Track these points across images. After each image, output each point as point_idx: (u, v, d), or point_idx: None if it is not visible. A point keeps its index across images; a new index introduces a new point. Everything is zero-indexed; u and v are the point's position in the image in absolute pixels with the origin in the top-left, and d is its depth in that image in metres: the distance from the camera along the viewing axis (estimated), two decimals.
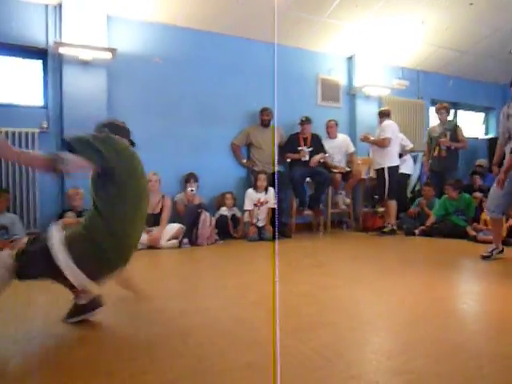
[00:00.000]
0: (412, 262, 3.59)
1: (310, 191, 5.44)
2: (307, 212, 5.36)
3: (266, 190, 4.95)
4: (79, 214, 3.98)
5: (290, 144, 5.40)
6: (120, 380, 1.37)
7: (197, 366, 1.47)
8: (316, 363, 1.48)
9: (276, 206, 4.94)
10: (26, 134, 4.13)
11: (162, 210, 4.48)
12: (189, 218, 4.50)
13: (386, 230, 5.18)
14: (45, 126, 4.25)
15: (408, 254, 4.09)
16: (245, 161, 5.36)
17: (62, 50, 4.13)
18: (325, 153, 5.38)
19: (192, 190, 4.69)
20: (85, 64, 4.30)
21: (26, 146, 4.13)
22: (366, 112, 6.24)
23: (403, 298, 2.34)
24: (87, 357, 1.57)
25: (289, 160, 5.44)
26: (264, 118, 5.31)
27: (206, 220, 4.51)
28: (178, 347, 1.64)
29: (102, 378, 1.38)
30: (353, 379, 1.36)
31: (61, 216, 3.96)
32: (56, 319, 1.93)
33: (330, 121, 5.71)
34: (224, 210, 4.90)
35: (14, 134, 4.09)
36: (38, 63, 4.45)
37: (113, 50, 4.28)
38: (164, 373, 1.41)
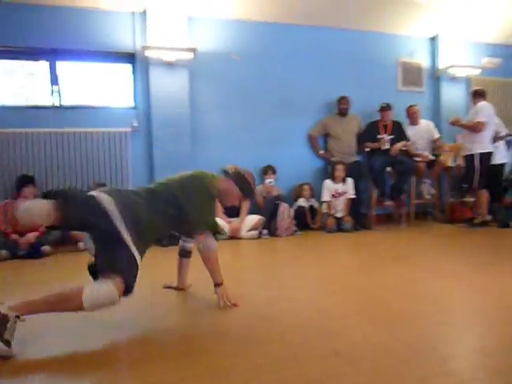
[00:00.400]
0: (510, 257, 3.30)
1: (391, 181, 5.23)
2: (388, 203, 5.17)
3: (343, 180, 4.86)
4: None
5: (369, 132, 5.23)
6: (214, 359, 1.46)
7: (284, 352, 1.52)
8: (407, 356, 1.45)
9: (355, 197, 4.85)
10: (120, 133, 4.52)
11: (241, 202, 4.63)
12: (267, 209, 4.60)
13: (476, 221, 4.81)
14: (135, 125, 4.61)
15: (504, 247, 3.76)
16: (322, 151, 5.30)
17: (148, 53, 4.42)
18: (407, 140, 5.12)
19: (270, 182, 4.78)
20: (169, 65, 4.56)
21: (120, 144, 4.52)
22: (452, 95, 5.81)
23: (500, 294, 2.18)
24: (189, 338, 1.70)
25: (367, 149, 5.28)
26: (341, 107, 5.20)
27: (285, 211, 4.56)
28: (264, 333, 1.70)
29: (199, 355, 1.49)
30: (448, 376, 1.31)
31: None
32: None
33: (411, 106, 5.42)
34: (302, 201, 4.92)
35: (108, 133, 4.49)
36: (128, 67, 4.82)
37: (193, 50, 4.48)
38: (253, 358, 1.48)
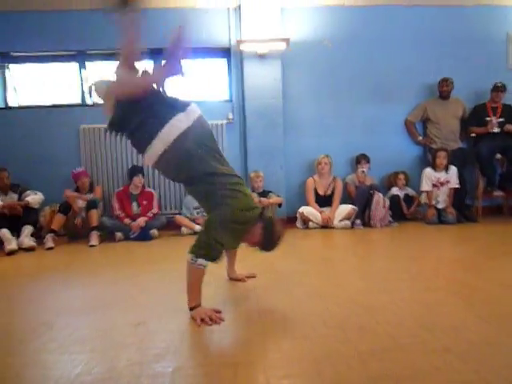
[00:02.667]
0: None
1: (501, 169, 4.75)
2: (497, 193, 4.69)
3: (446, 168, 4.53)
4: (260, 195, 4.40)
5: (476, 116, 4.80)
6: (316, 343, 1.49)
7: (389, 342, 1.49)
8: None
9: (458, 187, 4.50)
10: (216, 125, 4.74)
11: (333, 191, 4.59)
12: (361, 199, 4.48)
13: None
14: (230, 117, 4.81)
15: None
16: (420, 138, 4.99)
17: (242, 47, 4.56)
18: None
19: (363, 171, 4.65)
20: (262, 57, 4.66)
21: (216, 136, 4.74)
22: None
23: None
24: (292, 321, 1.76)
25: (473, 135, 4.84)
26: (443, 90, 4.82)
27: (379, 201, 4.40)
28: (366, 322, 1.69)
29: (301, 339, 1.54)
30: None
31: None
32: None
33: None
34: (396, 190, 4.71)
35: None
36: (223, 61, 5.02)
37: (286, 40, 4.50)
38: (356, 344, 1.48)
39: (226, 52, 4.91)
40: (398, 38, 4.96)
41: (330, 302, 1.96)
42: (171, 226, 4.45)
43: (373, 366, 1.32)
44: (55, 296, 2.30)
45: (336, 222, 4.42)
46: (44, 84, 5.01)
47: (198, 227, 4.32)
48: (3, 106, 4.86)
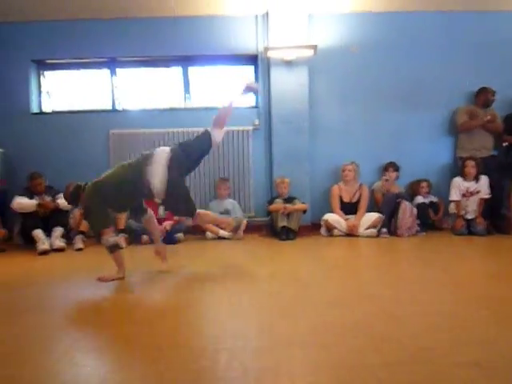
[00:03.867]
0: None
1: None
2: None
3: (476, 178, 4.41)
4: (286, 201, 4.39)
5: (508, 124, 4.65)
6: (340, 353, 1.47)
7: (418, 355, 1.45)
8: None
9: (489, 196, 4.37)
10: (242, 131, 4.78)
11: (359, 199, 4.55)
12: (387, 207, 4.41)
13: None
14: (257, 123, 4.84)
15: None
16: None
17: (270, 54, 4.58)
18: None
19: (386, 180, 4.58)
20: (289, 63, 4.67)
21: (242, 142, 4.79)
22: None
23: None
24: (319, 332, 1.75)
25: (506, 144, 4.70)
26: (489, 99, 4.67)
27: (407, 210, 4.32)
28: (393, 332, 1.66)
29: (327, 348, 1.52)
30: None
31: (271, 202, 4.44)
32: None
33: None
34: (420, 199, 4.60)
35: (232, 132, 4.78)
36: (251, 68, 5.07)
37: (314, 47, 4.51)
38: (384, 354, 1.45)
39: (253, 59, 4.96)
40: (427, 45, 4.89)
41: (356, 312, 1.93)
42: (196, 231, 4.50)
43: (402, 378, 1.29)
44: (80, 294, 2.37)
45: (361, 230, 4.36)
46: (76, 90, 5.19)
47: (222, 232, 4.36)
48: (38, 112, 5.04)
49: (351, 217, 4.48)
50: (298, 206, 4.39)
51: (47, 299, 2.29)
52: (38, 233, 3.91)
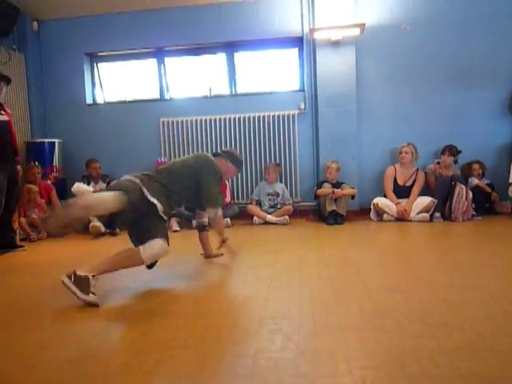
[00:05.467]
0: None
1: None
2: None
3: None
4: (334, 185, 4.33)
5: None
6: (399, 338, 1.46)
7: (477, 341, 1.40)
8: None
9: None
10: (288, 115, 4.75)
11: (414, 182, 4.40)
12: (441, 190, 4.24)
13: None
14: (302, 107, 4.78)
15: None
16: None
17: (316, 35, 4.48)
18: None
19: (438, 163, 4.39)
20: (335, 44, 4.55)
21: (288, 126, 4.75)
22: None
23: None
24: (376, 314, 1.74)
25: None
26: None
27: (462, 193, 4.13)
28: (451, 319, 1.61)
29: (384, 332, 1.51)
30: None
31: (320, 186, 4.40)
32: None
33: None
34: (473, 180, 4.36)
35: (278, 116, 4.76)
36: (295, 51, 4.99)
37: (361, 26, 4.35)
38: (441, 340, 1.41)
39: (297, 41, 4.88)
40: (483, 18, 4.56)
41: (410, 297, 1.89)
42: (243, 216, 4.56)
43: (461, 364, 1.26)
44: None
45: (413, 215, 4.22)
46: (126, 80, 5.37)
47: (269, 217, 4.40)
48: (92, 103, 5.28)
49: (403, 201, 4.34)
50: (347, 190, 4.32)
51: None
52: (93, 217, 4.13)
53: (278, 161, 4.80)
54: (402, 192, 4.38)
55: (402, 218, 4.23)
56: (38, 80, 5.15)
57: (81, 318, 1.81)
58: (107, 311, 1.88)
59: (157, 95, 5.25)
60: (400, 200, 4.33)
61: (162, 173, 2.40)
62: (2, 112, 3.42)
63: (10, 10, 4.53)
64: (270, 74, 5.10)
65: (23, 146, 4.75)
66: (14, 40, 4.90)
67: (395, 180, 4.46)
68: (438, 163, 4.42)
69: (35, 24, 5.08)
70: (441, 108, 4.64)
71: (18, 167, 3.62)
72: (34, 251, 3.54)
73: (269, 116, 4.79)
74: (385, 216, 4.29)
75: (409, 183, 4.42)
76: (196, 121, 4.88)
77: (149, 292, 2.21)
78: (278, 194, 4.57)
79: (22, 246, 3.58)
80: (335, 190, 4.27)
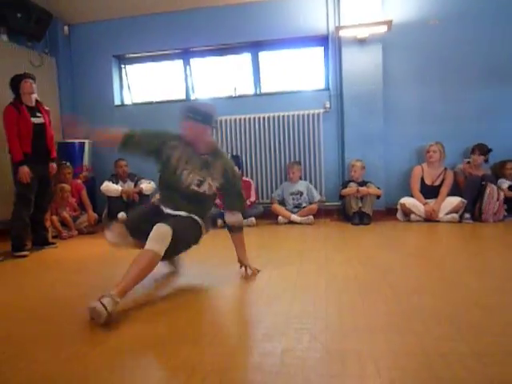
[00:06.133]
0: None
1: None
2: None
3: None
4: (359, 185, 4.29)
5: None
6: (428, 339, 1.43)
7: (507, 345, 1.37)
8: None
9: None
10: (313, 114, 4.73)
11: (442, 182, 4.30)
12: (471, 190, 4.13)
13: None
14: (327, 106, 4.74)
15: None
16: None
17: (342, 33, 4.44)
18: None
19: (468, 162, 4.27)
20: (361, 42, 4.50)
21: (313, 125, 4.73)
22: None
23: None
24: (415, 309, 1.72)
25: None
26: None
27: (493, 193, 4.01)
28: (482, 322, 1.57)
29: (412, 335, 1.49)
30: None
31: (345, 186, 4.35)
32: None
33: None
34: (504, 182, 4.22)
35: (303, 115, 4.74)
36: (320, 50, 4.96)
37: (388, 23, 4.28)
38: (473, 345, 1.38)
39: (323, 39, 4.84)
40: None
41: (439, 299, 1.86)
42: (268, 215, 4.57)
43: (493, 369, 1.23)
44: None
45: (441, 215, 4.13)
46: (153, 82, 5.47)
47: (293, 216, 4.39)
48: (120, 104, 5.41)
49: (431, 201, 4.25)
50: (373, 189, 4.27)
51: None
52: (122, 215, 4.24)
53: (302, 160, 4.78)
54: (429, 192, 4.28)
55: (430, 218, 4.15)
56: (68, 82, 5.31)
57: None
58: (135, 305, 1.92)
59: (183, 96, 5.32)
60: (428, 200, 4.23)
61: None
62: (38, 114, 3.54)
63: (42, 15, 4.69)
64: (295, 73, 5.09)
65: (55, 146, 4.90)
66: (46, 44, 5.06)
67: (423, 180, 4.36)
68: (468, 162, 4.30)
69: (66, 28, 5.24)
70: (471, 105, 4.51)
71: (53, 165, 3.72)
72: (65, 248, 3.65)
73: (293, 115, 4.78)
74: (412, 216, 4.22)
75: (437, 183, 4.32)
76: (221, 121, 4.92)
77: (176, 288, 2.25)
78: (301, 193, 4.55)
79: (53, 243, 3.71)
80: (360, 188, 4.22)
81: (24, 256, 3.32)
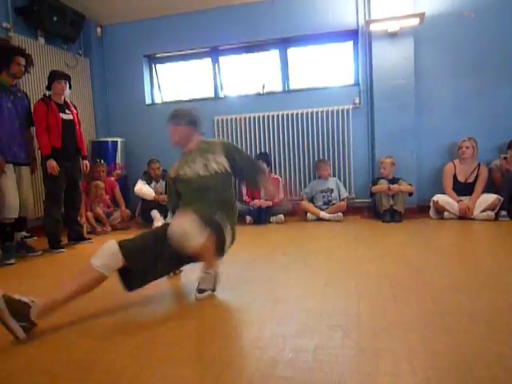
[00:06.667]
0: None
1: None
2: None
3: None
4: (390, 182, 4.21)
5: None
6: (461, 338, 1.40)
7: None
8: None
9: None
10: (342, 110, 4.67)
11: (476, 179, 4.16)
12: (508, 187, 3.97)
13: None
14: (357, 101, 4.67)
15: None
16: None
17: (372, 27, 4.36)
18: None
19: (505, 158, 4.11)
20: (392, 36, 4.40)
21: (342, 121, 4.67)
22: None
23: None
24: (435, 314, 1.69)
25: None
26: None
27: None
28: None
29: (442, 332, 1.46)
30: None
31: (375, 183, 4.29)
32: None
33: None
34: None
35: (332, 111, 4.70)
36: (349, 44, 4.88)
37: (420, 15, 4.17)
38: (500, 345, 1.35)
39: (352, 34, 4.77)
40: None
41: (475, 298, 1.81)
42: (296, 212, 4.56)
43: None
44: None
45: (476, 213, 4.00)
46: (182, 80, 5.55)
47: (322, 213, 4.37)
48: (150, 103, 5.52)
49: (465, 198, 4.12)
50: (404, 186, 4.18)
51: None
52: (155, 213, 4.34)
53: (331, 157, 4.74)
54: (463, 189, 4.15)
55: (464, 216, 4.02)
56: (101, 83, 5.46)
57: (144, 302, 1.92)
58: (167, 303, 1.97)
59: (211, 94, 5.37)
60: (462, 197, 4.11)
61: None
62: (67, 111, 3.66)
63: (76, 17, 4.84)
64: (324, 68, 5.04)
65: (89, 145, 5.07)
66: (80, 46, 5.22)
67: (455, 177, 4.23)
68: (505, 158, 4.14)
69: (99, 30, 5.38)
70: (507, 99, 4.33)
71: (86, 162, 3.84)
72: (99, 243, 3.76)
73: (322, 112, 4.73)
74: (446, 214, 4.10)
75: (470, 180, 4.18)
76: (249, 118, 4.94)
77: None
78: (331, 191, 4.51)
79: (89, 239, 3.84)
80: (391, 185, 4.14)
81: (61, 252, 3.45)
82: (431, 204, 4.22)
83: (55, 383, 1.26)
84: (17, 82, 3.52)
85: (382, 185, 4.17)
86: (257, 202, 4.43)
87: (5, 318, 1.51)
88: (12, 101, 3.27)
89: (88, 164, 3.88)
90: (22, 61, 3.28)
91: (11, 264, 3.05)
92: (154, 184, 4.66)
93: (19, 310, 1.54)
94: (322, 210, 4.42)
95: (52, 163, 3.43)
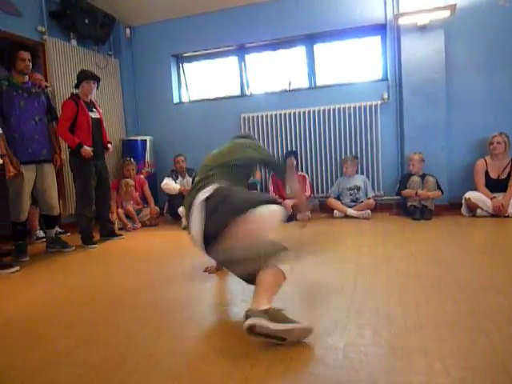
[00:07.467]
0: None
1: None
2: None
3: None
4: (420, 177, 4.13)
5: None
6: (496, 338, 1.37)
7: None
8: None
9: None
10: (370, 106, 4.60)
11: (509, 175, 4.02)
12: None
13: None
14: (385, 97, 4.59)
15: None
16: None
17: (401, 21, 4.26)
18: None
19: None
20: (421, 29, 4.29)
21: (370, 117, 4.60)
22: None
23: None
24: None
25: None
26: None
27: None
28: None
29: (476, 333, 1.43)
30: None
31: (406, 180, 4.20)
32: None
33: None
34: None
35: (359, 107, 4.63)
36: (377, 39, 4.80)
37: (451, 7, 4.05)
38: None
39: (380, 28, 4.68)
40: None
41: (510, 298, 1.76)
42: (324, 209, 4.54)
43: None
44: None
45: (511, 211, 3.86)
46: (209, 79, 5.60)
47: (350, 211, 4.32)
48: (178, 102, 5.60)
49: (498, 195, 3.99)
50: (432, 193, 4.07)
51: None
52: (183, 210, 4.40)
53: (359, 154, 4.68)
54: (496, 186, 4.01)
55: (498, 213, 3.89)
56: (130, 82, 5.59)
57: (182, 296, 1.97)
58: (205, 302, 2.01)
59: (237, 92, 5.40)
60: (495, 194, 3.98)
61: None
62: (94, 110, 3.76)
63: (106, 19, 4.96)
64: (351, 64, 4.97)
65: (119, 143, 5.21)
66: (110, 47, 5.36)
67: (487, 173, 4.10)
68: None
69: (128, 31, 5.50)
70: None
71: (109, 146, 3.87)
72: (130, 240, 3.88)
73: (350, 108, 4.68)
74: (478, 211, 3.98)
75: (503, 176, 4.04)
76: (276, 115, 4.94)
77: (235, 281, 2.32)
78: (358, 188, 4.46)
79: (120, 235, 3.95)
80: (419, 191, 4.05)
81: (94, 248, 3.57)
82: (463, 201, 4.10)
83: None
84: (31, 78, 3.39)
85: (409, 191, 4.10)
86: (287, 203, 4.31)
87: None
88: (26, 98, 3.17)
89: (110, 147, 3.91)
90: (26, 55, 3.12)
91: (25, 261, 3.11)
92: (180, 180, 4.74)
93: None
94: (350, 207, 4.38)
95: (86, 149, 3.50)
